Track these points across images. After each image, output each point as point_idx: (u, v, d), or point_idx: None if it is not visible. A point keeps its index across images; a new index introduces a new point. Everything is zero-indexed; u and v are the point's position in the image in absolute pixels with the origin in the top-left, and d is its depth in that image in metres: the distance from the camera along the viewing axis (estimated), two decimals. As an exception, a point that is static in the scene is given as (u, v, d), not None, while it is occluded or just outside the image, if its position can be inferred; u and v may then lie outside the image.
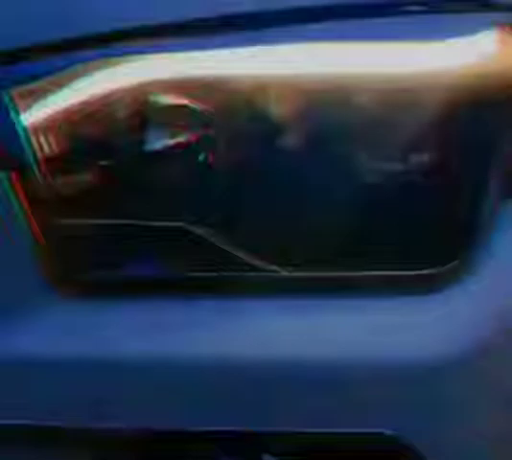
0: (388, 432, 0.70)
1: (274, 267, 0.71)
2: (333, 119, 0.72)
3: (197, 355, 0.70)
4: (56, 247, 0.72)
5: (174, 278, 0.72)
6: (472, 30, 0.72)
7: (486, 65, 0.72)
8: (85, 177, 0.71)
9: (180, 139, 0.72)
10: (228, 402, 0.70)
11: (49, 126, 0.69)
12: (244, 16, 0.70)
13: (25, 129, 0.68)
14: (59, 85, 0.68)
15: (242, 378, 0.69)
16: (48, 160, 0.70)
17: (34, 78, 0.69)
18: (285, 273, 0.71)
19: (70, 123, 0.70)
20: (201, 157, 0.72)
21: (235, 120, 0.72)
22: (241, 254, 0.70)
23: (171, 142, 0.72)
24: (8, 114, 0.68)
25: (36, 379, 0.74)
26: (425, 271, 0.72)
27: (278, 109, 0.72)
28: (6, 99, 0.68)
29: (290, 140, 0.73)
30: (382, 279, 0.72)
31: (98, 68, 0.68)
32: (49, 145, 0.70)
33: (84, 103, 0.69)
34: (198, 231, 0.70)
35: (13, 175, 0.70)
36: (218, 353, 0.70)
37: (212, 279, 0.71)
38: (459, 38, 0.72)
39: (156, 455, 0.75)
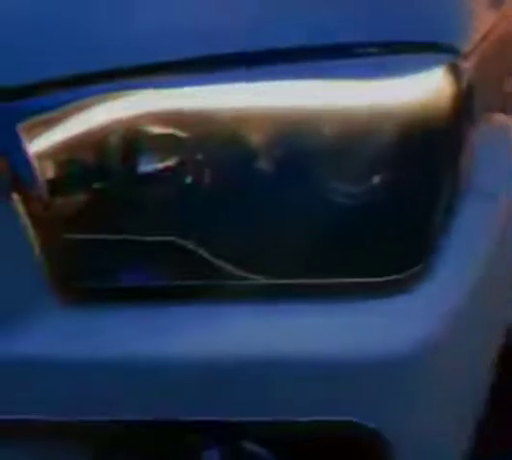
0: (357, 420, 0.79)
1: (253, 276, 0.80)
2: (304, 146, 0.82)
3: (185, 354, 0.79)
4: (57, 258, 0.81)
5: (165, 286, 0.81)
6: (421, 68, 0.83)
7: (433, 100, 0.84)
8: (86, 197, 0.81)
9: (169, 163, 0.81)
10: (213, 394, 0.79)
11: (55, 154, 0.78)
12: (224, 57, 0.81)
13: (34, 157, 0.78)
14: (64, 118, 0.78)
15: (224, 372, 0.78)
16: (53, 183, 0.79)
17: (42, 111, 0.78)
18: (262, 281, 0.80)
19: (73, 151, 0.79)
20: (188, 179, 0.82)
21: (216, 146, 0.81)
22: (223, 264, 0.80)
23: (160, 166, 0.81)
24: (18, 143, 0.78)
25: (38, 379, 0.82)
26: (387, 278, 0.82)
27: (254, 137, 0.82)
28: (16, 130, 0.78)
29: (265, 164, 0.83)
30: (348, 285, 0.82)
31: (98, 102, 0.78)
32: (54, 170, 0.79)
33: (86, 134, 0.79)
34: (187, 244, 0.79)
35: (22, 195, 0.79)
36: (203, 352, 0.79)
37: (198, 286, 0.80)
38: (410, 76, 0.83)
39: (153, 446, 0.83)
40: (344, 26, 0.85)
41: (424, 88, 0.83)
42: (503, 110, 1.43)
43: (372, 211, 0.84)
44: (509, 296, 0.99)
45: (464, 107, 0.87)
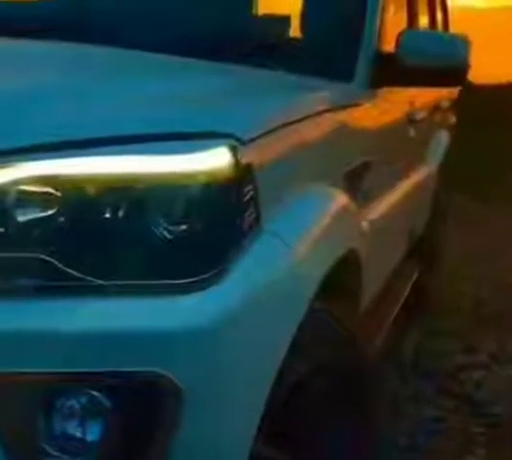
0: (158, 371, 1.21)
1: (93, 279, 1.24)
2: (135, 198, 1.28)
3: (45, 329, 1.21)
4: None
5: (31, 286, 1.23)
6: (208, 148, 1.30)
7: (216, 169, 1.30)
8: None
9: (46, 212, 1.26)
10: (64, 354, 1.21)
11: None
12: (79, 141, 1.27)
13: None
14: None
15: (68, 342, 1.21)
16: None
17: None
18: (100, 282, 1.24)
19: None
20: (60, 220, 1.26)
21: (78, 200, 1.26)
22: (73, 271, 1.23)
23: (39, 213, 1.26)
24: None
25: None
26: (186, 280, 1.26)
27: (102, 193, 1.27)
28: None
29: (109, 210, 1.27)
30: (162, 285, 1.25)
31: None
32: None
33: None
34: (48, 259, 1.23)
35: None
36: (58, 327, 1.21)
37: (56, 286, 1.24)
38: (201, 153, 1.29)
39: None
40: (164, 120, 1.33)
41: (210, 161, 1.30)
42: (348, 184, 1.90)
43: (181, 241, 1.28)
44: (286, 303, 1.42)
45: (242, 175, 1.33)
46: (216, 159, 1.30)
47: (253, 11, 2.49)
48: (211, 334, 1.24)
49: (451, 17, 4.18)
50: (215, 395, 1.27)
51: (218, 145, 1.32)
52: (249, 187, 1.36)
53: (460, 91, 4.22)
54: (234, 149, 1.33)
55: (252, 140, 1.39)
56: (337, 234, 1.70)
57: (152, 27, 2.14)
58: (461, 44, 2.31)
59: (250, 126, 1.41)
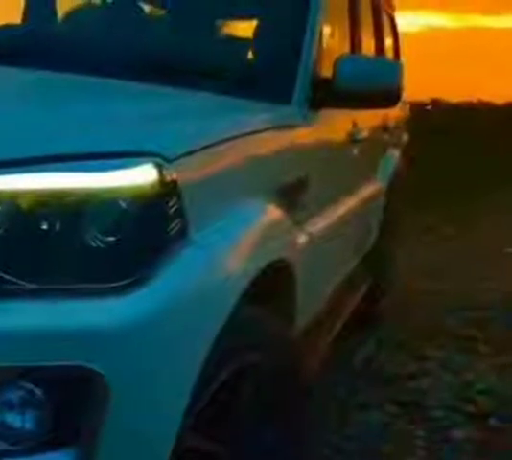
0: (86, 365, 1.35)
1: (26, 283, 1.38)
2: (62, 213, 1.41)
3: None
4: None
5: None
6: (136, 165, 1.45)
7: (142, 183, 1.44)
8: None
9: None
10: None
11: None
12: (14, 160, 1.41)
13: None
14: None
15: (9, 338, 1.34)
16: None
17: None
18: (32, 286, 1.38)
19: None
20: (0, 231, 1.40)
21: (13, 211, 1.39)
22: (9, 277, 1.37)
23: None
24: None
25: None
26: (113, 284, 1.40)
27: (37, 206, 1.41)
28: None
29: (45, 222, 1.41)
30: (91, 288, 1.39)
31: None
32: None
33: None
34: None
35: None
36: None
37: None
38: (128, 170, 1.44)
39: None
40: (97, 140, 1.48)
41: (137, 177, 1.44)
42: (283, 198, 2.05)
43: (109, 249, 1.42)
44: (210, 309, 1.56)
45: (167, 190, 1.48)
46: (142, 176, 1.45)
47: (201, 37, 2.64)
48: (134, 332, 1.38)
49: (421, 37, 4.37)
50: (138, 389, 1.40)
51: (144, 162, 1.46)
52: (174, 201, 1.50)
53: (430, 110, 4.42)
54: (159, 167, 1.47)
55: (178, 158, 1.54)
56: (263, 245, 1.84)
57: (96, 52, 2.29)
58: (394, 69, 2.48)
59: (176, 146, 1.56)
